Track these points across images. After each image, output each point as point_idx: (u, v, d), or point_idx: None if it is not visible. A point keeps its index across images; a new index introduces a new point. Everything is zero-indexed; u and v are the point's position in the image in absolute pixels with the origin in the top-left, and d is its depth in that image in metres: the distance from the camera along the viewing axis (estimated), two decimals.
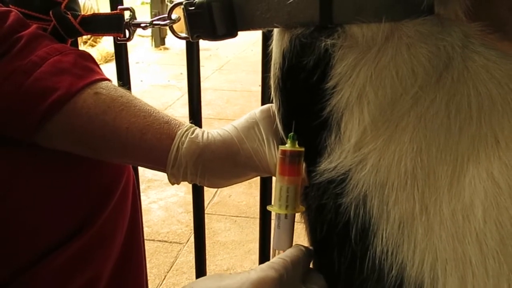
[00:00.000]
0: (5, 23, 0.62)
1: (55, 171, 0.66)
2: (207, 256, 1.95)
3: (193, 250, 1.91)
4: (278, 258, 0.49)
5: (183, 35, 0.66)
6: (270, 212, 1.00)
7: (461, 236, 0.41)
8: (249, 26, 0.55)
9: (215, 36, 0.59)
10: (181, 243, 1.95)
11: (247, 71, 4.50)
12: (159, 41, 5.43)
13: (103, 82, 0.64)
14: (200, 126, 0.98)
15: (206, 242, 2.13)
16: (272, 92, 0.57)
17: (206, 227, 2.22)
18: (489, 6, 0.50)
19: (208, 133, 0.62)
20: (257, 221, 2.06)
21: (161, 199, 2.27)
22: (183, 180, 0.63)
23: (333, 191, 0.48)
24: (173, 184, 0.64)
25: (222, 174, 0.62)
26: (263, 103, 0.91)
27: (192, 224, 2.11)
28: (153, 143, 0.61)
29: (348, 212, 0.47)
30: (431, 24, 0.46)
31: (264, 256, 1.06)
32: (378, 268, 0.45)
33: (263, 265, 0.48)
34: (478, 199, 0.41)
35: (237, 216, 2.13)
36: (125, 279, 0.82)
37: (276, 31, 0.54)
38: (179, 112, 3.44)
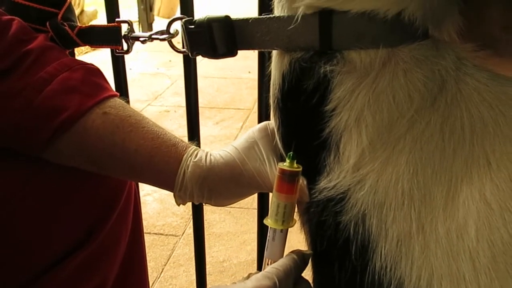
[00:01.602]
0: (8, 33, 0.62)
1: (62, 185, 0.68)
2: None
3: (189, 242, 1.94)
4: (272, 267, 0.52)
5: (183, 49, 0.68)
6: (267, 203, 1.02)
7: (456, 254, 0.44)
8: (249, 46, 0.57)
9: (215, 55, 0.60)
10: (177, 236, 1.97)
11: (236, 57, 4.48)
12: (147, 26, 5.38)
13: (111, 100, 0.65)
14: (198, 127, 0.99)
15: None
16: (272, 112, 0.58)
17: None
18: (482, 25, 0.52)
19: (210, 155, 0.64)
20: (251, 212, 2.10)
21: (156, 191, 2.28)
22: (190, 201, 0.64)
23: (333, 209, 0.50)
24: (179, 205, 0.66)
25: (227, 195, 0.64)
26: (259, 99, 0.91)
27: (187, 216, 2.14)
28: (161, 166, 0.62)
29: (348, 229, 0.49)
30: (426, 48, 0.48)
31: (262, 247, 1.07)
32: (377, 283, 0.47)
33: (257, 275, 0.50)
34: (472, 219, 0.43)
35: (231, 207, 2.15)
36: (129, 281, 0.84)
37: (275, 52, 0.55)
38: (170, 101, 3.44)
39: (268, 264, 0.55)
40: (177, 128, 2.95)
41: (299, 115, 0.54)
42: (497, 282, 0.42)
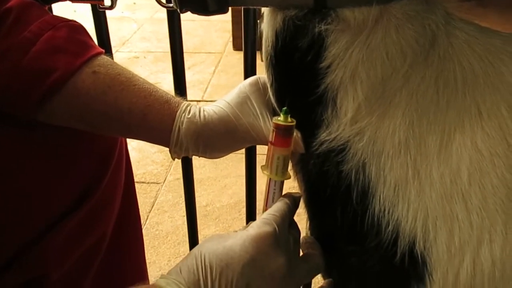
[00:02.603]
0: None
1: (60, 142, 0.68)
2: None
3: (171, 189, 1.98)
4: (268, 214, 0.55)
5: (170, 4, 0.67)
6: (254, 150, 1.05)
7: (449, 196, 0.48)
8: (241, 3, 0.57)
9: (206, 12, 0.60)
10: (158, 183, 2.00)
11: None
12: None
13: (99, 58, 0.64)
14: (183, 74, 0.99)
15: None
16: (265, 68, 0.60)
17: (180, 165, 2.27)
18: None
19: (204, 111, 0.65)
20: (230, 156, 2.12)
21: (133, 140, 2.28)
22: (185, 155, 0.66)
23: (334, 159, 0.53)
24: (174, 159, 0.67)
25: (222, 149, 0.66)
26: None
27: (167, 164, 2.16)
28: (155, 124, 0.63)
29: (349, 177, 0.52)
30: (416, 3, 0.49)
31: (250, 191, 1.09)
32: (376, 224, 0.51)
33: (257, 222, 0.54)
34: (464, 165, 0.47)
35: None
36: (125, 231, 0.87)
37: (267, 9, 0.56)
38: (138, 47, 3.36)
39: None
40: (149, 75, 2.91)
41: (294, 72, 0.55)
42: (487, 220, 0.46)
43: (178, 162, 2.11)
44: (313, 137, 0.56)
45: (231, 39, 3.26)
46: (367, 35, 0.49)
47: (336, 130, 0.53)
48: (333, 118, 0.53)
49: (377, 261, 0.52)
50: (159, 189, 1.97)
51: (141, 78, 0.66)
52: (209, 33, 3.52)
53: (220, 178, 2.00)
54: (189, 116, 0.64)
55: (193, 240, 1.11)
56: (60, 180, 0.69)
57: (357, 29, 0.49)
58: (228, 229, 1.73)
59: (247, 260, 0.49)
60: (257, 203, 1.15)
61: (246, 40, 0.83)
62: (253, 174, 1.02)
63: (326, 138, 0.54)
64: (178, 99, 0.67)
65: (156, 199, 1.91)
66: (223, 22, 3.51)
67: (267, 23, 0.56)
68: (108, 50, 0.89)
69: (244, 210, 1.83)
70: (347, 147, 0.52)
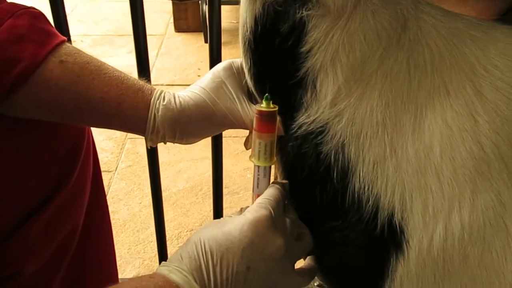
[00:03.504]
0: None
1: (28, 134, 0.67)
2: (139, 181, 1.99)
3: (124, 176, 1.95)
4: (263, 199, 0.57)
5: None
6: (221, 135, 1.05)
7: (423, 170, 0.52)
8: None
9: None
10: (110, 171, 1.97)
11: None
12: None
13: (64, 47, 0.63)
14: (147, 58, 0.98)
15: (135, 167, 2.14)
16: (242, 53, 0.61)
17: (131, 151, 2.23)
18: None
19: (179, 97, 0.65)
20: None
21: None
22: (161, 142, 0.67)
23: (313, 141, 0.56)
24: (149, 147, 0.67)
25: (199, 135, 0.67)
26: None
27: (117, 151, 2.12)
28: (130, 112, 0.63)
29: (329, 158, 0.55)
30: None
31: (217, 173, 1.09)
32: (357, 200, 0.55)
33: (253, 207, 0.56)
34: (436, 140, 0.51)
35: None
36: (96, 223, 0.87)
37: None
38: (74, 30, 3.23)
39: (255, 199, 0.61)
40: None
41: (274, 56, 0.57)
42: (457, 189, 0.51)
43: (128, 149, 2.08)
44: (292, 120, 0.58)
45: (171, 20, 3.20)
46: (346, 20, 0.52)
47: (315, 113, 0.55)
48: (313, 101, 0.56)
49: (359, 234, 0.55)
50: (111, 177, 1.94)
51: (110, 66, 0.66)
52: (149, 14, 3.42)
53: (174, 163, 1.99)
54: (164, 103, 0.64)
55: (159, 225, 1.11)
56: (29, 173, 0.68)
57: (337, 14, 0.52)
58: (187, 213, 1.74)
59: (246, 244, 0.51)
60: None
61: (211, 23, 0.83)
62: (219, 155, 1.03)
63: (305, 120, 0.56)
64: (150, 86, 0.67)
65: (109, 188, 1.88)
66: (162, 3, 3.44)
67: (245, 9, 0.58)
68: (69, 38, 0.87)
69: (200, 193, 1.85)
70: (326, 129, 0.55)
